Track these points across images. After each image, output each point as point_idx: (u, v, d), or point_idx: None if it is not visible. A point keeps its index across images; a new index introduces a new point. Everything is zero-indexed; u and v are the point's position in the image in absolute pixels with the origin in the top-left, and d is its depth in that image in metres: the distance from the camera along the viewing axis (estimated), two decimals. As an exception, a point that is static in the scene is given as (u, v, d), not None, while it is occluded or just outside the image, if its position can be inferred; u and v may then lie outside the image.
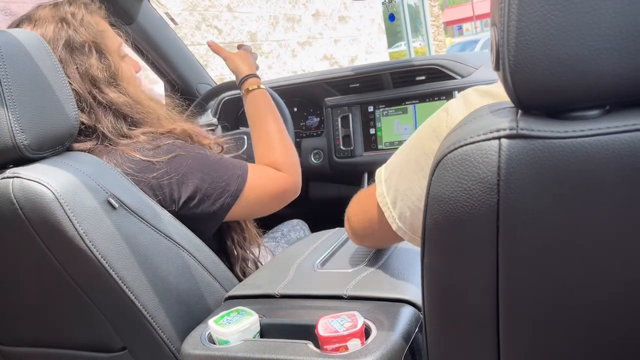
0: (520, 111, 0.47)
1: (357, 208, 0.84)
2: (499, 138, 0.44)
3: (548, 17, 0.41)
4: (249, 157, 1.58)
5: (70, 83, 0.93)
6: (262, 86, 1.19)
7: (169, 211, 0.92)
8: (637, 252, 0.44)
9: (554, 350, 0.50)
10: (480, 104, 0.55)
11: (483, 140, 0.45)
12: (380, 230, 0.76)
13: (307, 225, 1.67)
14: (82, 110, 0.93)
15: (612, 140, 0.41)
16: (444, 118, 0.62)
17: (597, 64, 0.41)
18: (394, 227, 0.71)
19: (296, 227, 1.59)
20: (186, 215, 0.94)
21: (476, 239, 0.47)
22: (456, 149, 0.46)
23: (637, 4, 0.40)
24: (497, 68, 0.46)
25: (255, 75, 1.22)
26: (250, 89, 1.18)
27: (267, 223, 1.56)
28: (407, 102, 1.71)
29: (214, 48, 1.29)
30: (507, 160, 0.44)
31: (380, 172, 0.75)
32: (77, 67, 0.94)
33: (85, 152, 0.92)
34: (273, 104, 1.18)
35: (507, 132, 0.44)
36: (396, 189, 0.69)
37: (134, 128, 0.96)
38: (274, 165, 1.07)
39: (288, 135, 1.15)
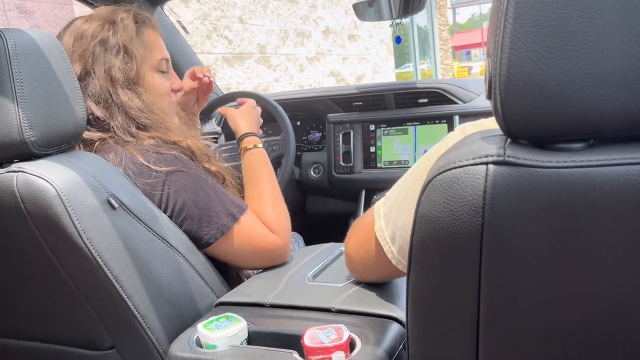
0: (509, 139, 0.49)
1: (356, 244, 0.84)
2: (486, 164, 0.46)
3: (538, 53, 0.43)
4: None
5: (94, 78, 1.00)
6: (259, 145, 1.20)
7: None
8: (613, 278, 0.46)
9: None
10: None
11: (471, 165, 0.47)
12: (380, 265, 0.77)
13: (302, 238, 1.68)
14: (98, 104, 0.99)
15: (593, 173, 0.43)
16: (443, 152, 0.64)
17: (583, 101, 0.43)
18: (393, 261, 0.72)
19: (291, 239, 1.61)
20: None
21: (460, 259, 0.49)
22: (445, 171, 0.48)
23: (623, 45, 0.42)
24: (489, 97, 0.48)
25: (254, 134, 1.22)
26: (247, 147, 1.19)
27: None
28: (408, 123, 1.74)
29: (220, 111, 1.34)
30: (493, 185, 0.46)
31: (379, 206, 0.75)
32: (103, 65, 1.01)
33: (94, 142, 0.96)
34: (269, 164, 1.19)
35: (495, 158, 0.46)
36: (395, 224, 0.70)
37: (142, 131, 1.00)
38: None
39: (281, 196, 1.14)
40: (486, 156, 0.47)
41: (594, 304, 0.47)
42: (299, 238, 1.67)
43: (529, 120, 0.45)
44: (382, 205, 0.74)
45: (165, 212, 0.94)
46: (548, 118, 0.44)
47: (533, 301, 0.49)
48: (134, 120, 1.00)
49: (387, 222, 0.72)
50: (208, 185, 0.98)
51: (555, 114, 0.44)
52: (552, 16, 0.43)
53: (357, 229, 0.85)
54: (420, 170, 0.68)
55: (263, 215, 1.06)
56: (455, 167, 0.48)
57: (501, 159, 0.46)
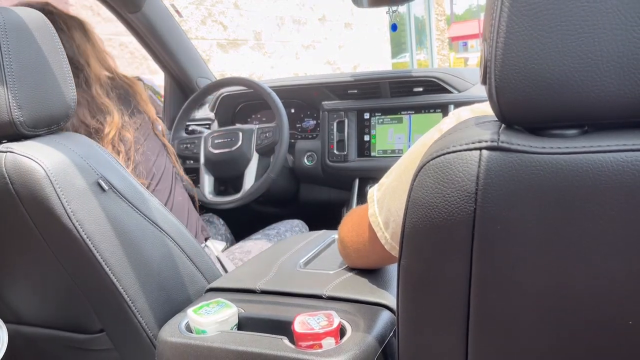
0: (503, 125, 0.48)
1: (350, 229, 0.83)
2: (480, 149, 0.46)
3: (534, 37, 0.43)
4: (243, 154, 1.59)
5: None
6: None
7: None
8: (605, 266, 0.46)
9: (521, 355, 0.51)
10: None
11: (465, 150, 0.46)
12: (373, 250, 0.77)
13: (307, 227, 1.67)
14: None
15: (587, 159, 0.43)
16: (437, 138, 0.63)
17: (578, 86, 0.43)
18: (387, 246, 0.72)
19: (295, 228, 1.60)
20: None
21: (452, 244, 0.49)
22: (439, 156, 0.48)
23: (620, 31, 0.41)
24: (484, 82, 0.47)
25: None
26: None
27: (266, 221, 1.58)
28: (402, 112, 1.73)
29: None
30: (486, 170, 0.45)
31: (373, 192, 0.74)
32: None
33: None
34: None
35: (488, 143, 0.46)
36: (388, 209, 0.70)
37: None
38: None
39: None
40: (480, 141, 0.46)
41: (586, 290, 0.47)
42: (304, 227, 1.67)
43: (524, 105, 0.44)
44: (376, 190, 0.74)
45: None
46: (543, 103, 0.44)
47: (524, 288, 0.48)
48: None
49: (381, 208, 0.72)
50: None
51: (550, 99, 0.43)
52: (549, 0, 0.42)
53: (351, 215, 0.85)
54: (414, 155, 0.67)
55: None
56: (448, 152, 0.47)
57: (495, 144, 0.45)
